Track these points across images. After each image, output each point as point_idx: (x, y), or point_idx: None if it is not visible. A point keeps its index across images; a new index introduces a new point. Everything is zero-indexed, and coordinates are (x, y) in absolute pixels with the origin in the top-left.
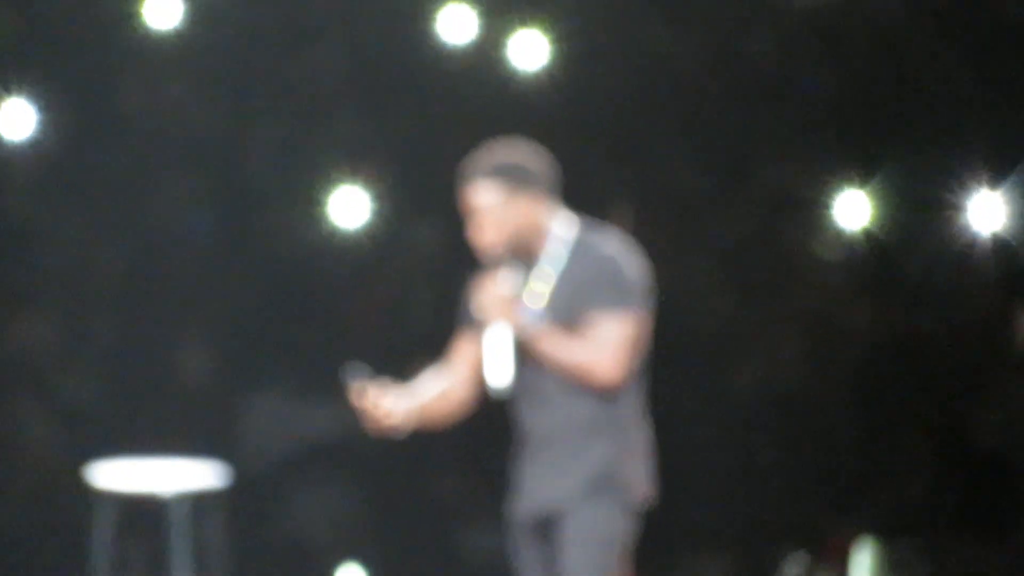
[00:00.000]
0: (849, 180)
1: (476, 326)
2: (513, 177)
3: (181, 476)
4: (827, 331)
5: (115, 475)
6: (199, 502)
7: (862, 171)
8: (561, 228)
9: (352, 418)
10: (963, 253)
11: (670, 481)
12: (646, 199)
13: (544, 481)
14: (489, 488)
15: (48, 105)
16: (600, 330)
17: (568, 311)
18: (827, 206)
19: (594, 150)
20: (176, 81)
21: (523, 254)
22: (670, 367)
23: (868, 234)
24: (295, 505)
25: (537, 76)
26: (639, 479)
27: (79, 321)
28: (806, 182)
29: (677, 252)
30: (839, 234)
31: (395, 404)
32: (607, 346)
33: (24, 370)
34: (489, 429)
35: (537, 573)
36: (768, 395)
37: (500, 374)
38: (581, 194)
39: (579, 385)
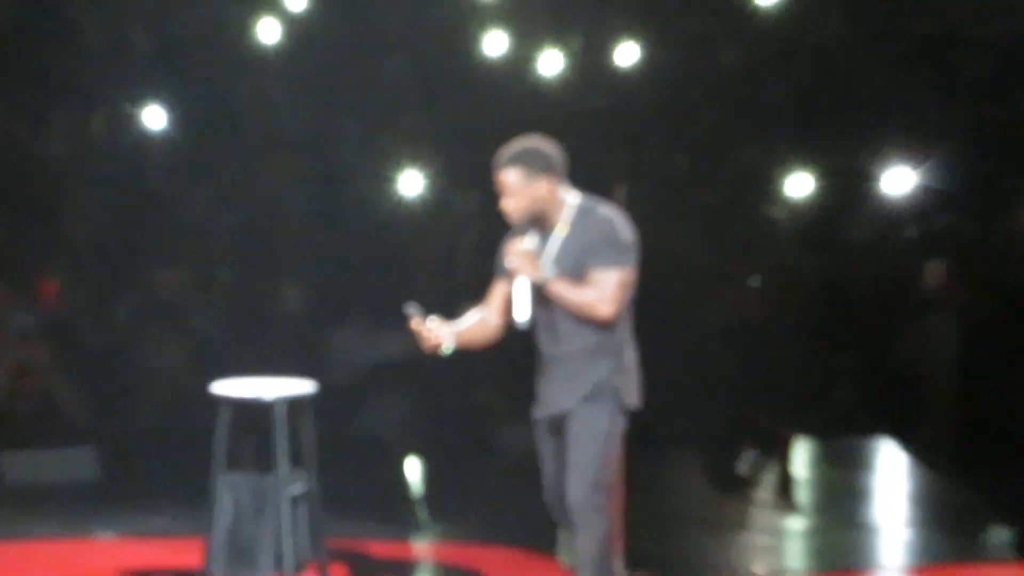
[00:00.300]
0: (798, 161)
1: (507, 275)
2: (531, 163)
3: (282, 387)
4: (780, 276)
5: (232, 386)
6: (295, 405)
7: (808, 154)
8: (569, 201)
9: (411, 343)
10: (884, 216)
11: (655, 390)
12: (643, 175)
13: (557, 392)
14: (517, 397)
15: (180, 104)
16: (598, 279)
17: (574, 263)
18: (781, 180)
19: (596, 140)
20: (279, 85)
21: (540, 221)
22: (658, 304)
23: (812, 202)
24: (367, 410)
25: (553, 83)
26: (629, 389)
27: (205, 271)
28: (765, 162)
29: (666, 216)
30: (790, 202)
31: (441, 331)
32: (604, 291)
33: (165, 309)
34: (517, 351)
35: (552, 461)
36: (733, 325)
37: (523, 311)
38: (585, 176)
39: (583, 319)
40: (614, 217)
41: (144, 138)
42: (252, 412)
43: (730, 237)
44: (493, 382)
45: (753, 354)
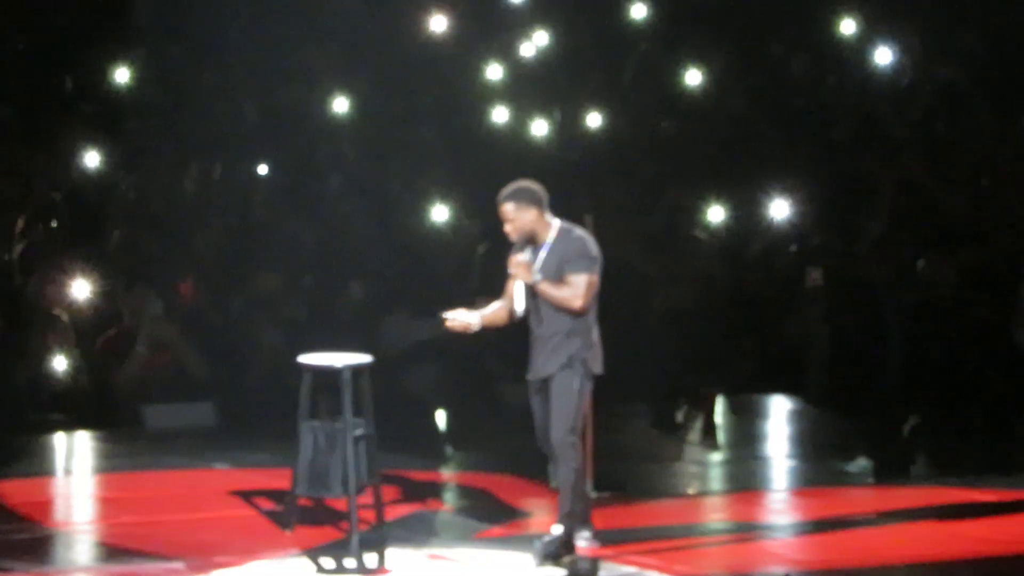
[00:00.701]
0: (713, 197)
1: (512, 278)
2: (522, 198)
3: (347, 358)
4: (703, 279)
5: (312, 358)
6: (357, 372)
7: (721, 192)
8: (552, 224)
9: (440, 328)
10: (773, 236)
11: (615, 360)
12: (604, 208)
13: (543, 362)
14: (516, 365)
15: (277, 156)
16: (572, 281)
17: (556, 269)
18: (702, 211)
19: (571, 182)
20: (348, 143)
21: (531, 240)
22: (615, 299)
23: (724, 226)
24: (408, 375)
25: (540, 142)
26: (596, 360)
27: (294, 275)
28: (691, 199)
29: (621, 237)
30: (709, 226)
31: (466, 318)
32: (576, 290)
33: (263, 303)
34: (516, 333)
35: (540, 412)
36: (670, 312)
37: (520, 304)
38: (563, 208)
39: (561, 309)
40: (585, 237)
41: (251, 181)
42: (326, 376)
43: (667, 252)
44: (499, 354)
45: (684, 334)
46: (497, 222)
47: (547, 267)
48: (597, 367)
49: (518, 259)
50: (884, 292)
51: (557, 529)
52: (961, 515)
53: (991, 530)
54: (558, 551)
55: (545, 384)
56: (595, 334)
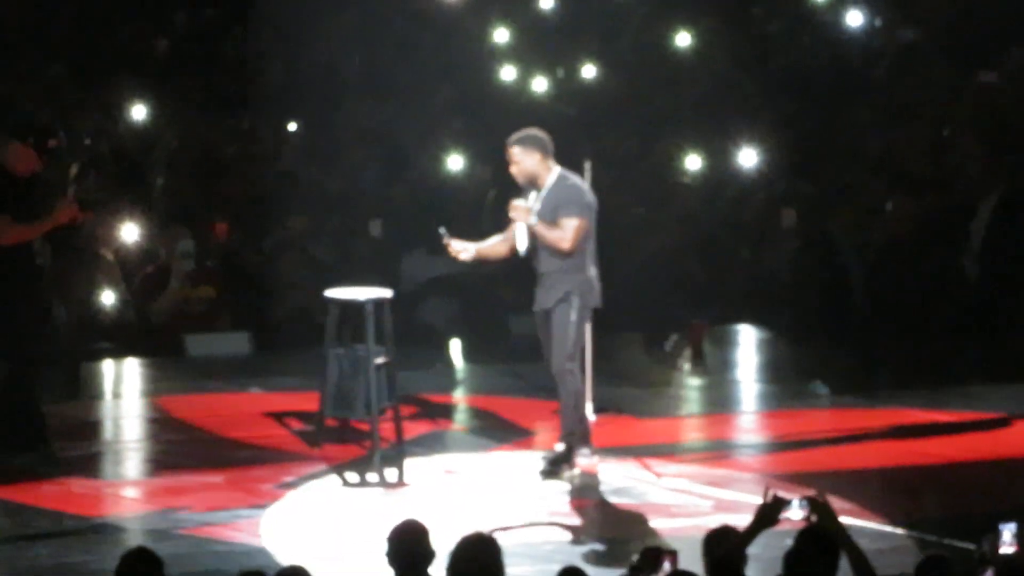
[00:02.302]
0: (698, 145)
1: (513, 220)
2: (528, 143)
3: (370, 292)
4: (688, 221)
5: (337, 292)
6: (378, 305)
7: (704, 141)
8: (552, 171)
9: (454, 264)
10: (748, 180)
11: (613, 295)
12: (601, 156)
13: (544, 296)
14: (526, 297)
15: (303, 115)
16: (564, 224)
17: (551, 212)
18: (685, 160)
19: (570, 133)
20: (367, 99)
21: (533, 184)
22: (612, 239)
23: (705, 174)
24: (425, 307)
25: (543, 96)
26: (592, 294)
27: (320, 218)
28: (677, 148)
29: (617, 182)
30: (691, 173)
31: (461, 247)
32: (566, 232)
33: (294, 244)
34: (522, 269)
35: (546, 342)
36: (661, 252)
37: (522, 244)
38: (563, 157)
39: (554, 250)
40: (579, 185)
41: (281, 136)
42: (351, 309)
43: (656, 195)
44: (510, 284)
45: (672, 272)
46: (506, 170)
47: (544, 209)
48: (594, 301)
49: (518, 203)
50: (842, 233)
51: (559, 446)
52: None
53: (945, 444)
54: (560, 466)
55: (547, 316)
56: (591, 271)
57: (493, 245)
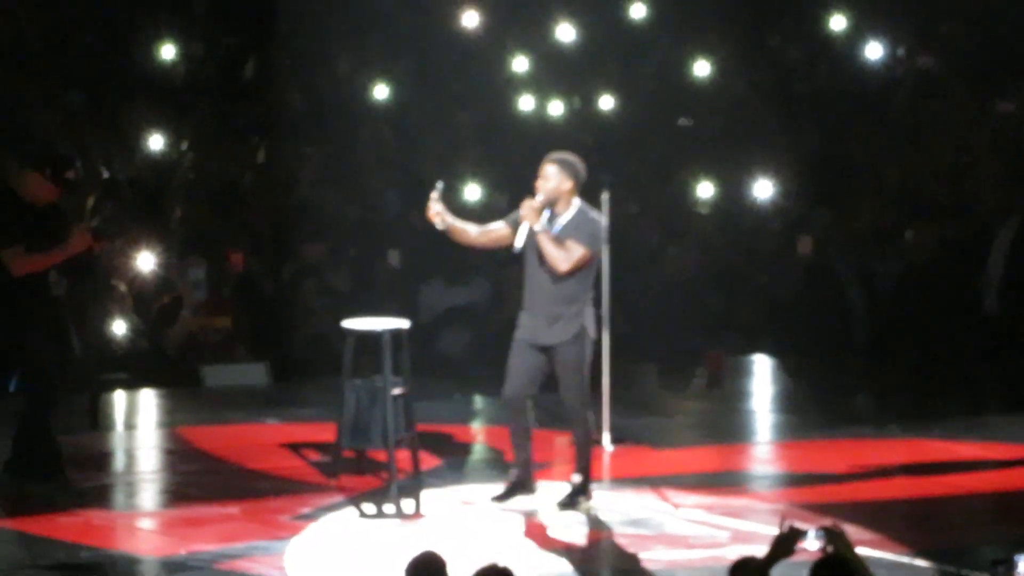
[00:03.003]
0: (709, 177)
1: (511, 222)
2: (566, 167)
3: (387, 322)
4: (705, 250)
5: (354, 322)
6: (396, 335)
7: (721, 170)
8: (572, 204)
9: (471, 294)
10: (760, 210)
11: (628, 324)
12: (618, 185)
13: (549, 331)
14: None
15: (321, 140)
16: (570, 246)
17: (565, 234)
18: (700, 187)
19: (587, 161)
20: (389, 126)
21: (552, 204)
22: (629, 266)
23: (718, 204)
24: (442, 338)
25: (560, 124)
26: (593, 327)
27: (336, 245)
28: (694, 177)
29: (633, 209)
30: (708, 202)
31: (441, 211)
32: (570, 255)
33: (312, 272)
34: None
35: (525, 368)
36: (678, 281)
37: (520, 241)
38: (590, 191)
39: (550, 270)
40: (599, 220)
41: (298, 161)
42: (368, 339)
43: (674, 224)
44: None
45: (689, 301)
46: (520, 197)
47: (562, 231)
48: (594, 332)
49: (532, 203)
50: (843, 259)
51: (576, 478)
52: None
53: (961, 475)
54: (577, 498)
55: (551, 349)
56: (589, 313)
57: (467, 229)
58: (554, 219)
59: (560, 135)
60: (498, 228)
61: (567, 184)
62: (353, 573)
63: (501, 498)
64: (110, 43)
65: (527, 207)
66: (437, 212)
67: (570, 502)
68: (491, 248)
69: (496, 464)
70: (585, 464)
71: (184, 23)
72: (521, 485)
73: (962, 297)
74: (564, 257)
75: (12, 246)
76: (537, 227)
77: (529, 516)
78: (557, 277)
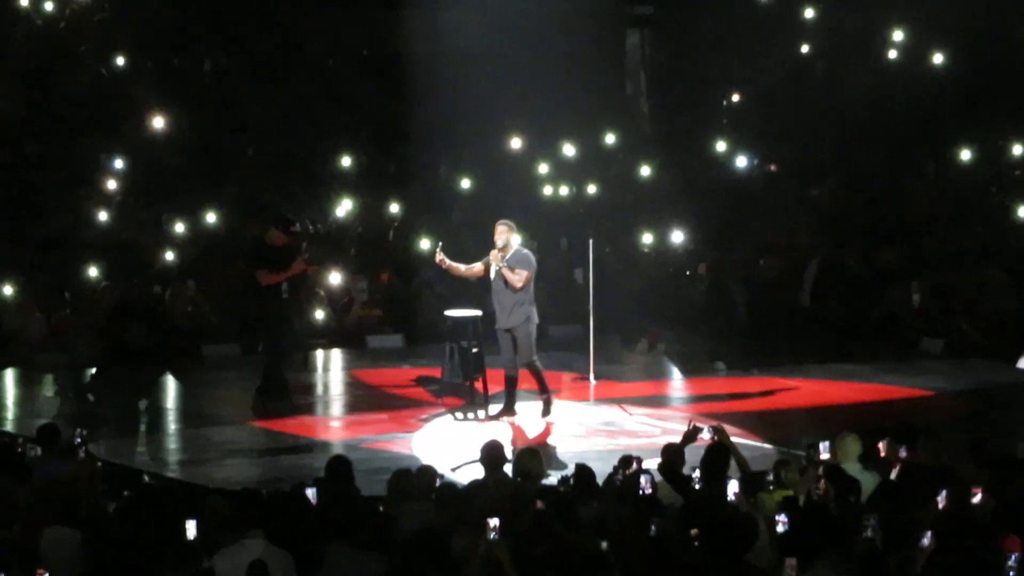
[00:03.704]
0: (648, 230)
1: (488, 261)
2: (510, 227)
3: (469, 312)
4: (646, 272)
5: (453, 312)
6: (474, 320)
7: (653, 228)
8: (512, 245)
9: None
10: (676, 249)
11: (605, 313)
12: (598, 238)
13: (506, 318)
14: (558, 312)
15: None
16: (519, 273)
17: (515, 264)
18: (643, 237)
19: (582, 225)
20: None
21: (504, 248)
22: (606, 282)
23: (655, 245)
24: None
25: (567, 203)
26: (535, 315)
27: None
28: (639, 233)
29: (609, 252)
30: (648, 245)
31: (443, 258)
32: (519, 278)
33: (427, 284)
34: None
35: (506, 346)
36: (632, 288)
37: (493, 273)
38: (577, 236)
39: (509, 287)
40: (530, 253)
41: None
42: (459, 321)
43: (629, 257)
44: (552, 307)
45: (645, 302)
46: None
47: (510, 261)
48: (536, 319)
49: (496, 254)
50: (729, 278)
51: (543, 396)
52: (779, 390)
53: (792, 395)
54: (549, 407)
55: (510, 331)
56: (534, 303)
57: (459, 267)
58: (506, 256)
59: (565, 207)
60: (477, 266)
61: (510, 234)
62: (449, 452)
63: (506, 413)
64: (310, 146)
65: (494, 255)
66: (440, 259)
67: (547, 410)
68: (475, 277)
69: (524, 394)
70: (544, 386)
71: (354, 142)
72: (508, 409)
73: (789, 297)
74: (516, 279)
75: (261, 268)
76: (500, 265)
77: (536, 420)
78: (512, 290)
